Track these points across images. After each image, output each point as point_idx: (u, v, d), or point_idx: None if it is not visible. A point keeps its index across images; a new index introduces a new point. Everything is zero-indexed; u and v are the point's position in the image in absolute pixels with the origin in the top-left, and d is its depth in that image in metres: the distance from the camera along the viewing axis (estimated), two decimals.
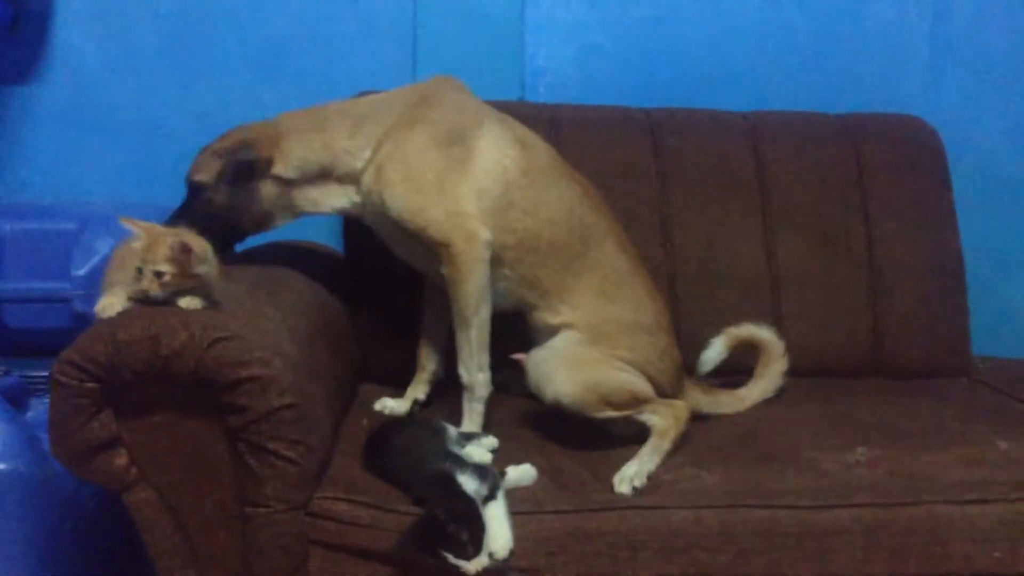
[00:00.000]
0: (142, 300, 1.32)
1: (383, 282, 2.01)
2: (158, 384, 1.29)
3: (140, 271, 1.30)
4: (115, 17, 2.30)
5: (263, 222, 1.78)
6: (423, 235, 1.71)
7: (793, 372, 2.05)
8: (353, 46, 2.35)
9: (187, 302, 1.32)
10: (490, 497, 1.38)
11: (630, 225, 1.99)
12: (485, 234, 1.70)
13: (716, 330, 2.03)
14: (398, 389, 1.93)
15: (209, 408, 1.31)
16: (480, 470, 1.42)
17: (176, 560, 1.35)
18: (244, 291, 1.57)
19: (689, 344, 1.92)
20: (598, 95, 2.38)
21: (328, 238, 2.25)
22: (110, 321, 1.29)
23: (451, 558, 1.31)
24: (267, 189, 1.74)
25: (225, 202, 1.73)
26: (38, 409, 1.70)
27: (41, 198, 2.29)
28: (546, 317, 1.78)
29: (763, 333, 1.94)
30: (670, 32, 2.43)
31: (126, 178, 2.35)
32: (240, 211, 1.74)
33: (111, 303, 1.31)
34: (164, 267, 1.29)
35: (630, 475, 1.53)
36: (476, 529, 1.32)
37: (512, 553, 1.34)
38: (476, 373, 1.72)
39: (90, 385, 1.27)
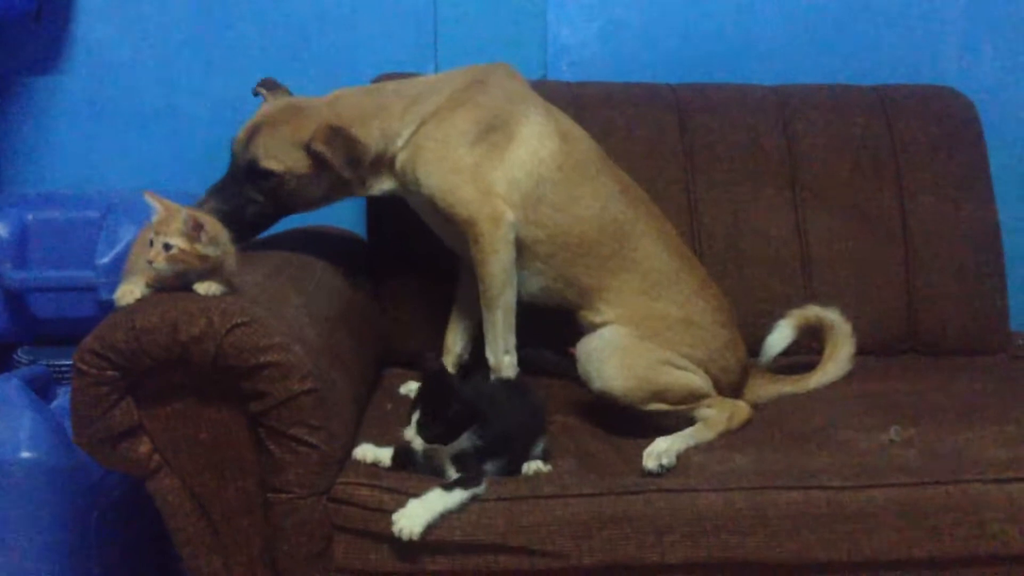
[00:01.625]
0: (160, 288, 1.32)
1: (406, 266, 2.00)
2: (178, 371, 1.29)
3: (151, 243, 1.29)
4: (137, 6, 2.28)
5: (315, 205, 1.78)
6: (451, 212, 1.70)
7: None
8: (374, 29, 2.33)
9: (205, 287, 1.31)
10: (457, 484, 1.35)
11: (655, 205, 1.96)
12: (510, 215, 1.69)
13: (745, 312, 2.01)
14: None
15: (230, 394, 1.31)
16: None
17: (200, 547, 1.35)
18: (265, 277, 1.56)
19: None
20: (623, 72, 2.34)
21: (351, 223, 2.24)
22: (129, 309, 1.28)
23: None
24: (330, 177, 1.72)
25: (294, 190, 1.72)
26: (64, 397, 1.70)
27: (66, 188, 2.29)
28: (589, 316, 1.76)
29: (830, 315, 1.88)
30: (697, 5, 2.38)
31: (150, 166, 2.34)
32: (302, 198, 1.74)
33: (130, 290, 1.30)
34: (174, 240, 1.28)
35: (659, 451, 1.50)
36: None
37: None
38: (502, 355, 1.72)
39: (110, 373, 1.27)
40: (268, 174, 1.71)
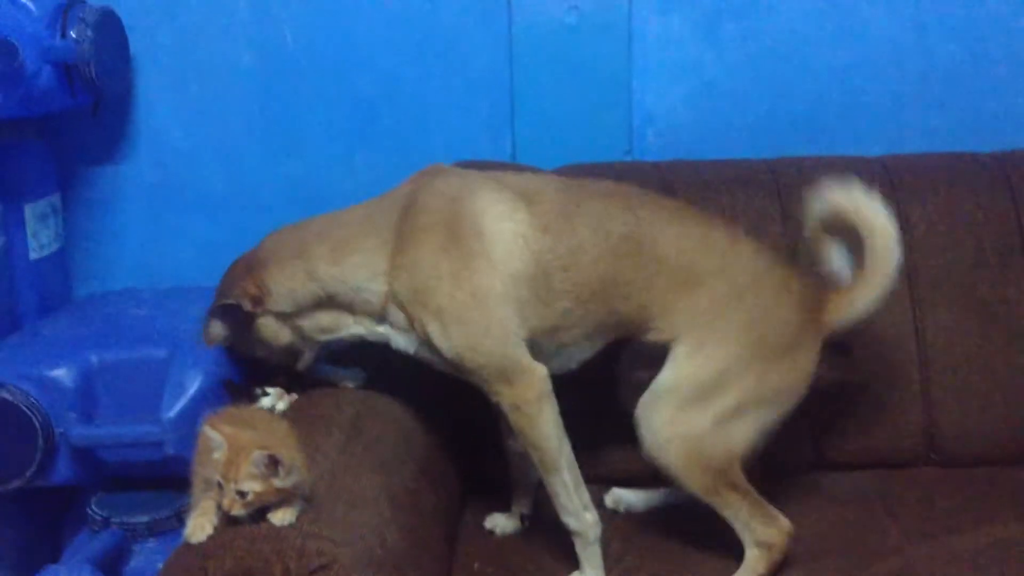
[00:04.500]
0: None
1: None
2: None
3: (220, 486, 1.19)
4: (199, 92, 2.18)
5: (291, 358, 1.64)
6: (479, 373, 1.53)
7: (950, 463, 1.89)
8: (446, 105, 2.18)
9: (280, 517, 1.21)
10: None
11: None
12: (541, 369, 1.53)
13: (859, 422, 1.87)
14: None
15: None
16: None
17: None
18: (339, 451, 1.45)
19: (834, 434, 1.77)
20: (714, 140, 2.18)
21: None
22: (200, 551, 1.18)
23: None
24: (269, 325, 1.59)
25: (246, 350, 1.63)
26: (138, 558, 1.65)
27: (134, 282, 2.22)
28: (649, 338, 1.60)
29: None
30: (796, 65, 2.18)
31: (218, 255, 2.21)
32: (265, 353, 1.63)
33: (200, 526, 1.20)
34: (247, 485, 1.18)
35: None
36: None
37: None
38: (583, 514, 1.56)
39: None
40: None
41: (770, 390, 1.59)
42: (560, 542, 1.66)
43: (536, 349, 1.56)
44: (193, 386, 1.65)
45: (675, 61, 2.17)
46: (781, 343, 1.60)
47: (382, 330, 1.59)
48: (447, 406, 1.84)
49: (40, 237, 2.00)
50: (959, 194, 1.97)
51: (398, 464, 1.53)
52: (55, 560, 1.64)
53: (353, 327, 1.60)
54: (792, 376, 1.61)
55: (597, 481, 1.72)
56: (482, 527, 1.77)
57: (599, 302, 1.57)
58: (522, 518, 1.77)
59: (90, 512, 1.69)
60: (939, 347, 1.91)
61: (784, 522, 1.57)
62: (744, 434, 1.56)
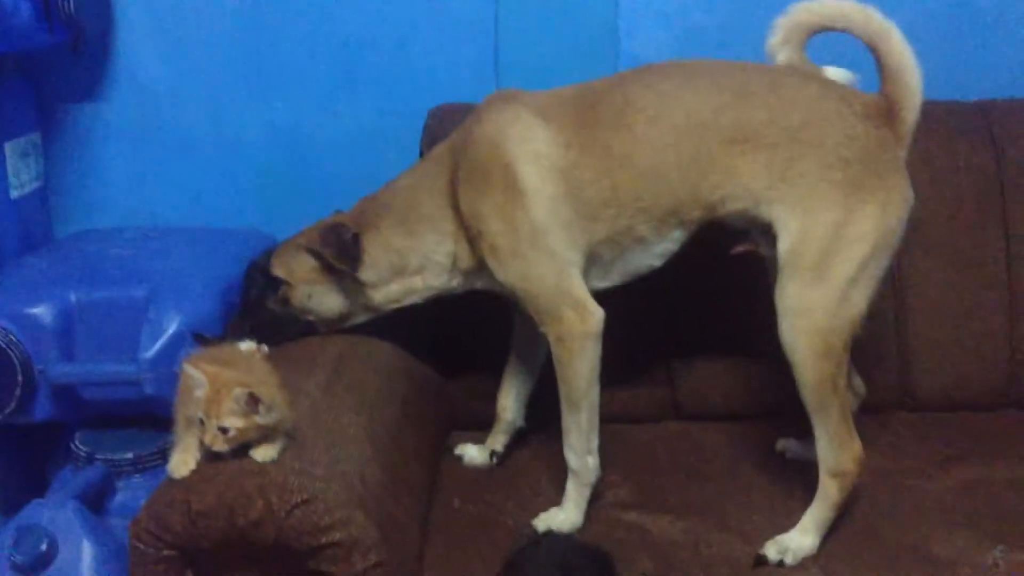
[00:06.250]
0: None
1: (469, 326, 1.88)
2: (239, 548, 1.21)
3: (203, 423, 1.20)
4: (181, 31, 2.14)
5: (338, 322, 1.69)
6: (533, 303, 1.57)
7: (924, 408, 1.93)
8: (430, 48, 2.16)
9: (262, 453, 1.23)
10: None
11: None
12: (596, 311, 1.55)
13: None
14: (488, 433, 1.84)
15: (294, 568, 1.23)
16: None
17: None
18: (322, 391, 1.47)
19: None
20: None
21: None
22: (184, 486, 1.20)
23: None
24: (345, 288, 1.64)
25: (302, 302, 1.65)
26: (123, 493, 1.67)
27: (115, 221, 2.22)
28: (732, 211, 1.55)
29: None
30: (782, 10, 2.14)
31: (201, 194, 2.25)
32: (316, 311, 1.66)
33: (184, 461, 1.22)
34: (229, 422, 1.19)
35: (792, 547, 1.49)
36: None
37: None
38: (585, 456, 1.59)
39: (167, 552, 1.20)
40: (275, 280, 1.66)
41: (877, 226, 1.50)
42: (539, 482, 1.70)
43: (610, 255, 1.58)
44: (171, 326, 1.65)
45: (662, 5, 2.15)
46: (867, 166, 1.51)
47: (456, 283, 1.67)
48: (431, 348, 1.87)
49: (21, 175, 1.98)
50: (939, 142, 1.98)
51: (380, 404, 1.56)
52: (40, 495, 1.65)
53: (425, 291, 1.67)
54: (892, 204, 1.53)
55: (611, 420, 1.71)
56: (463, 466, 1.79)
57: (649, 197, 1.54)
58: (492, 454, 1.81)
59: (74, 448, 1.70)
60: (915, 294, 1.94)
61: (858, 447, 1.54)
62: (864, 295, 1.51)
